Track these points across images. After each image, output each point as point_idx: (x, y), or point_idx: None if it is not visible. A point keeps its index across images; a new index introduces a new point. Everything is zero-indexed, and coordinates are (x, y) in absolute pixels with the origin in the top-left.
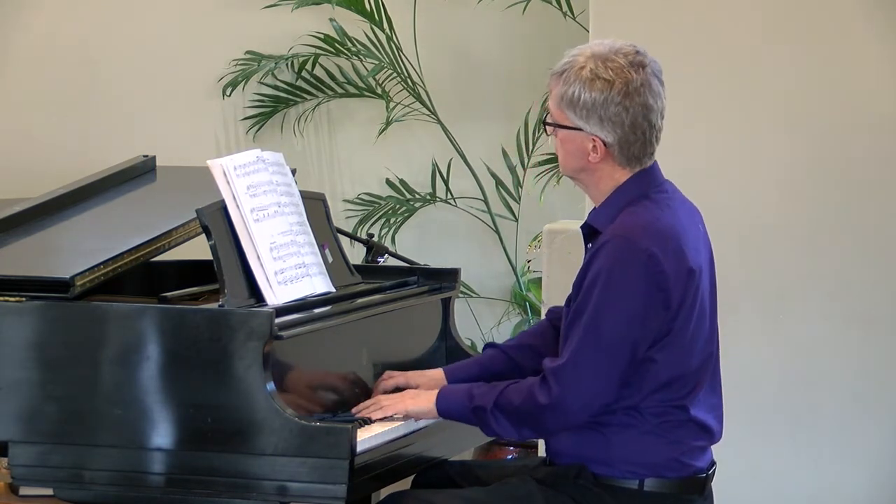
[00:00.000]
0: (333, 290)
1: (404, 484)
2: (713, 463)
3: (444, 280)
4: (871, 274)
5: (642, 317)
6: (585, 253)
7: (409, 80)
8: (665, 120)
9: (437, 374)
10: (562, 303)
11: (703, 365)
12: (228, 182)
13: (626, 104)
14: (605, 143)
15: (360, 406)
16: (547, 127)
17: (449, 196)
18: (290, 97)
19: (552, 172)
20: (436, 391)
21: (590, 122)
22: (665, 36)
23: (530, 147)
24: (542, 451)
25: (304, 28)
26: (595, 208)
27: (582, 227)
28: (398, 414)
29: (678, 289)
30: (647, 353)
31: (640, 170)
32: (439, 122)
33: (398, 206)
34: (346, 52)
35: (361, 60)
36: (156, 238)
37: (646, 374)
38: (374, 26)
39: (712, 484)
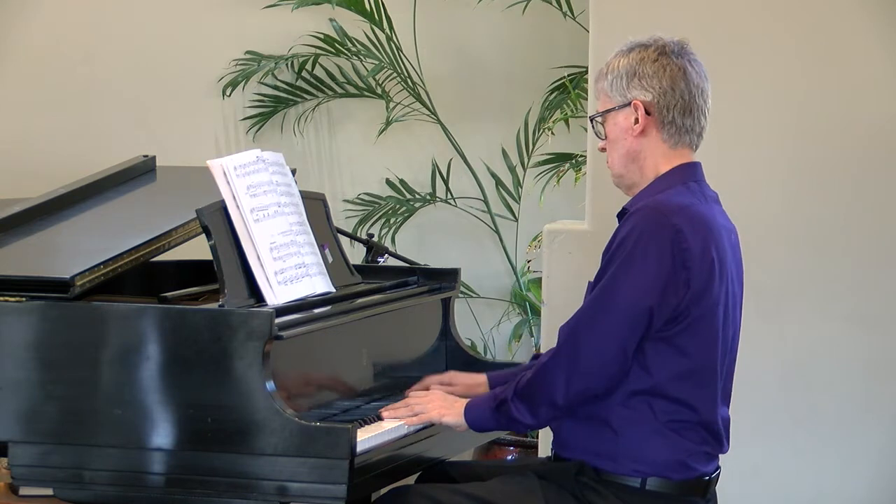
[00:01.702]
0: (333, 290)
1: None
2: (717, 467)
3: (444, 280)
4: (872, 274)
5: (662, 287)
6: None
7: (409, 80)
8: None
9: (481, 378)
10: (560, 302)
11: (721, 368)
12: (228, 182)
13: (663, 62)
14: (646, 108)
15: (392, 409)
16: (594, 124)
17: (449, 196)
18: (290, 97)
19: (552, 172)
20: (465, 402)
21: (631, 88)
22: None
23: (530, 147)
24: (542, 452)
25: (304, 28)
26: (635, 196)
27: (618, 215)
28: (430, 421)
29: (702, 273)
30: (666, 332)
31: (681, 164)
32: (439, 122)
33: (398, 206)
34: (346, 52)
35: (361, 60)
36: (156, 238)
37: (663, 357)
38: (374, 26)
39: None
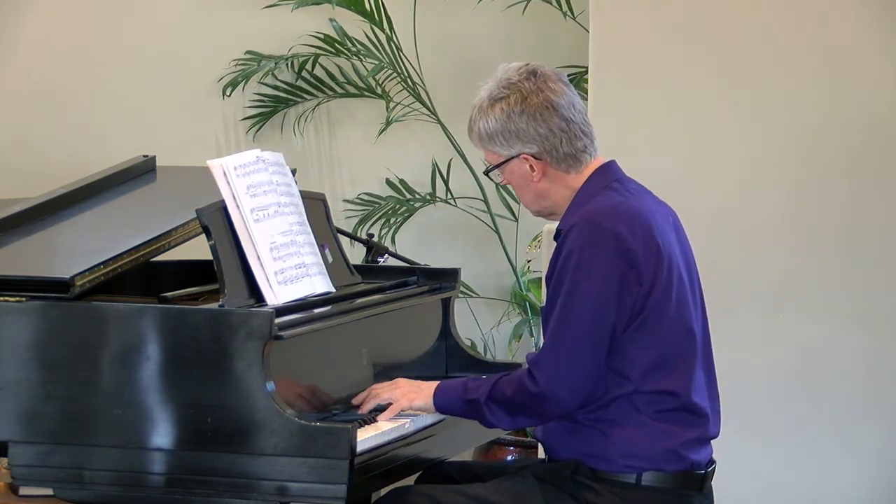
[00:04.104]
0: (333, 290)
1: (406, 484)
2: (712, 461)
3: (444, 280)
4: (872, 274)
5: (616, 294)
6: None
7: (409, 80)
8: (666, 120)
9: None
10: None
11: (690, 352)
12: (228, 182)
13: (529, 109)
14: (535, 157)
15: (358, 399)
16: (491, 174)
17: (449, 196)
18: (290, 97)
19: None
20: (434, 385)
21: (512, 144)
22: (665, 36)
23: None
24: (542, 453)
25: (304, 28)
26: (562, 217)
27: (555, 238)
28: (401, 409)
29: (649, 265)
30: (627, 335)
31: (593, 171)
32: (439, 122)
33: (398, 206)
34: (346, 52)
35: (361, 60)
36: (156, 238)
37: (631, 356)
38: (374, 26)
39: (712, 484)
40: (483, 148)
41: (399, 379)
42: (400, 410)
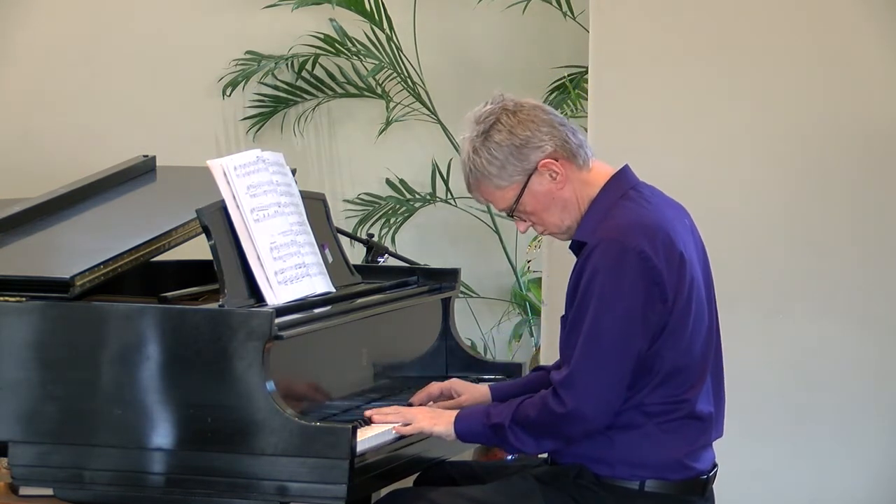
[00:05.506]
0: (333, 290)
1: (405, 484)
2: (715, 465)
3: (444, 280)
4: (872, 274)
5: (641, 315)
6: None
7: (409, 80)
8: (667, 120)
9: (483, 389)
10: (561, 302)
11: (705, 357)
12: (228, 182)
13: (525, 119)
14: (554, 158)
15: (381, 414)
16: (517, 215)
17: (449, 196)
18: (290, 97)
19: None
20: (455, 412)
21: (525, 157)
22: (665, 36)
23: None
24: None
25: (304, 28)
26: (579, 225)
27: (571, 247)
28: (420, 430)
29: (672, 279)
30: (648, 350)
31: (610, 177)
32: (439, 122)
33: (398, 206)
34: (346, 52)
35: (361, 60)
36: (156, 238)
37: (648, 368)
38: (374, 26)
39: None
40: (495, 189)
41: (417, 407)
42: (418, 430)
